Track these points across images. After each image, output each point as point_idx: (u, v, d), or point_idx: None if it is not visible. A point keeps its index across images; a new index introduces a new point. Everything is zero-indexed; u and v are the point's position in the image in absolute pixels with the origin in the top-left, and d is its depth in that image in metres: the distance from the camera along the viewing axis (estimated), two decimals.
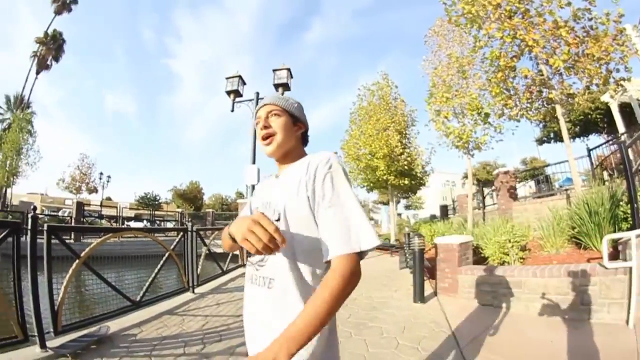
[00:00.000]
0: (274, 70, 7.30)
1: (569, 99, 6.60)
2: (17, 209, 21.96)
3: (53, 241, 2.68)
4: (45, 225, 2.69)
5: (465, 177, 37.76)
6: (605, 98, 12.30)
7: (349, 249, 0.75)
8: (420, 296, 4.54)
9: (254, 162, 6.95)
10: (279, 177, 0.99)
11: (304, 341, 0.67)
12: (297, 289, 0.81)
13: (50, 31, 28.72)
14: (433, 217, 25.01)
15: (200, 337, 3.06)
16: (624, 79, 5.90)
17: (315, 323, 0.68)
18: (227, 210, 35.67)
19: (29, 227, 2.55)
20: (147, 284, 3.50)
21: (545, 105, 6.87)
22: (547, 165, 11.81)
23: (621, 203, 4.44)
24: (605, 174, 9.41)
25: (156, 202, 36.88)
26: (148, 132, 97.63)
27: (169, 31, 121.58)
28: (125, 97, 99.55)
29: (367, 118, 14.20)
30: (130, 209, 27.03)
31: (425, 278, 5.56)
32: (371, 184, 15.73)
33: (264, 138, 0.98)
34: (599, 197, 4.71)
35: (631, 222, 3.75)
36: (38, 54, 28.06)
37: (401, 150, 13.78)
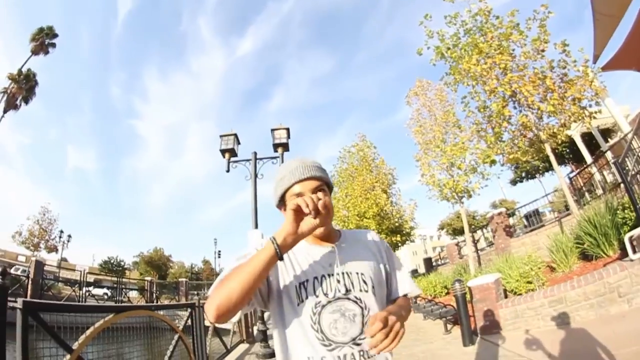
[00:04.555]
0: (273, 130, 6.99)
1: (553, 137, 7.30)
2: None
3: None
4: (20, 302, 1.86)
5: (442, 228, 38.91)
6: (570, 132, 13.75)
7: (418, 292, 1.08)
8: (470, 338, 4.62)
9: (256, 226, 6.35)
10: (338, 247, 0.97)
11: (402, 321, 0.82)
12: None
13: (24, 69, 27.34)
14: (414, 272, 24.58)
15: None
16: (596, 112, 6.87)
17: (406, 315, 0.95)
18: (197, 279, 32.58)
19: None
20: None
21: (532, 147, 7.52)
22: (526, 204, 12.62)
23: (617, 212, 5.03)
24: (587, 195, 10.58)
25: (120, 268, 34.23)
26: (109, 192, 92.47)
27: (137, 90, 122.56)
28: (88, 153, 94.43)
29: (351, 179, 14.39)
30: (90, 273, 24.23)
31: (449, 324, 5.97)
32: None
33: (315, 216, 0.85)
34: (599, 211, 5.32)
35: (631, 225, 4.49)
36: (8, 91, 26.36)
37: (390, 208, 14.04)
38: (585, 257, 5.48)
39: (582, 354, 3.07)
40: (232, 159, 6.97)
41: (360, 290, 0.89)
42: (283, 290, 0.91)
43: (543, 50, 6.79)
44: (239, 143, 7.17)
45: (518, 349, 3.83)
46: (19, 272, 17.88)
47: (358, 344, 0.85)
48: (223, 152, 6.89)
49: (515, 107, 7.30)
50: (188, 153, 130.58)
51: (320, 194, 0.91)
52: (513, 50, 7.09)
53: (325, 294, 0.88)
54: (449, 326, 5.94)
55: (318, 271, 0.91)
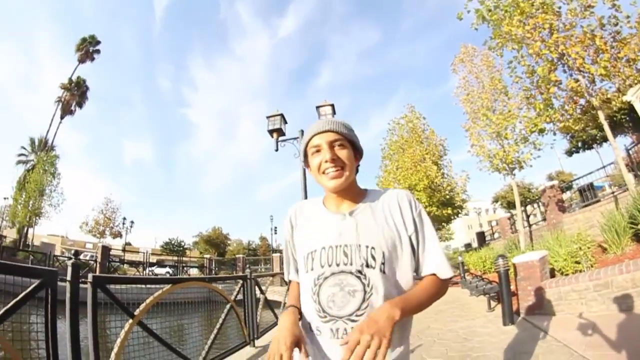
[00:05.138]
0: (318, 107, 7.08)
1: (607, 103, 6.62)
2: (38, 250, 22.17)
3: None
4: (90, 276, 2.23)
5: (496, 201, 36.89)
6: (627, 97, 12.27)
7: (448, 275, 0.91)
8: (510, 318, 4.47)
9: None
10: (353, 214, 0.92)
11: (410, 312, 0.81)
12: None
13: (74, 78, 30.01)
14: (468, 246, 23.93)
15: None
16: None
17: (419, 304, 0.84)
18: (253, 255, 35.09)
19: (69, 277, 2.03)
20: (210, 342, 3.13)
21: (584, 114, 6.99)
22: (581, 177, 11.59)
23: None
24: None
25: (181, 248, 36.32)
26: (167, 179, 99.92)
27: (185, 80, 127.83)
28: (144, 144, 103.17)
29: (401, 152, 14.22)
30: (153, 254, 26.65)
31: (493, 301, 5.82)
32: None
33: (330, 171, 0.90)
34: None
35: None
36: (62, 99, 29.14)
37: (441, 180, 13.73)
38: (639, 238, 5.07)
39: (624, 346, 2.80)
40: (280, 138, 7.19)
41: (367, 266, 0.84)
42: (298, 256, 0.98)
43: (591, 6, 6.12)
44: (285, 122, 7.33)
45: (557, 333, 3.62)
46: (87, 258, 20.23)
47: (353, 320, 0.81)
48: (271, 132, 7.12)
49: (565, 71, 6.72)
50: (241, 134, 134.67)
51: (337, 148, 0.91)
52: (559, 8, 6.45)
53: (329, 265, 0.86)
54: (492, 303, 5.80)
55: (327, 241, 0.89)
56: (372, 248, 0.86)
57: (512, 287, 5.05)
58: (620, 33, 6.17)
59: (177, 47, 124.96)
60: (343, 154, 0.91)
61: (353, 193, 0.96)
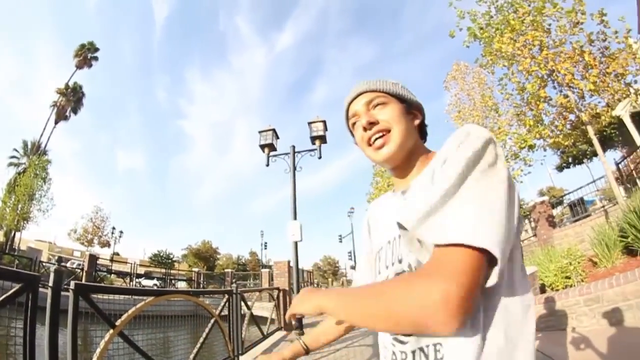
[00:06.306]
0: (310, 123, 7.09)
1: (596, 118, 6.78)
2: (25, 255, 21.54)
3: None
4: (73, 284, 2.17)
5: None
6: (616, 112, 12.60)
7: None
8: None
9: (295, 218, 6.41)
10: (406, 193, 0.69)
11: (338, 310, 0.53)
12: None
13: (70, 83, 29.96)
14: None
15: None
16: None
17: (358, 304, 0.50)
18: (243, 270, 34.96)
19: (51, 283, 1.98)
20: (192, 356, 2.99)
21: (574, 130, 7.12)
22: (571, 192, 11.78)
23: None
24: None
25: (169, 261, 36.06)
26: (158, 190, 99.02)
27: (182, 91, 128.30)
28: (138, 154, 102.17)
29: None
30: (141, 265, 26.18)
31: None
32: None
33: (373, 140, 0.69)
34: None
35: None
36: (58, 104, 28.97)
37: None
38: (630, 252, 5.09)
39: None
40: (272, 153, 7.18)
41: (409, 266, 0.61)
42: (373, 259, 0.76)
43: (580, 23, 6.27)
44: (277, 137, 7.35)
45: (547, 349, 3.59)
46: (74, 266, 19.80)
47: (402, 342, 0.58)
48: (262, 147, 7.13)
49: (554, 88, 6.84)
50: (234, 148, 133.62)
51: (378, 108, 0.70)
52: (549, 25, 6.62)
53: (392, 264, 0.65)
54: None
55: (389, 233, 0.68)
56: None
57: None
58: (609, 48, 6.29)
59: (176, 57, 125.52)
60: (386, 113, 0.69)
61: (418, 162, 0.70)
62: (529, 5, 6.61)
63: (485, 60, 7.44)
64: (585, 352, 3.26)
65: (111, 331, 2.37)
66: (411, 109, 0.72)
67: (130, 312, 2.47)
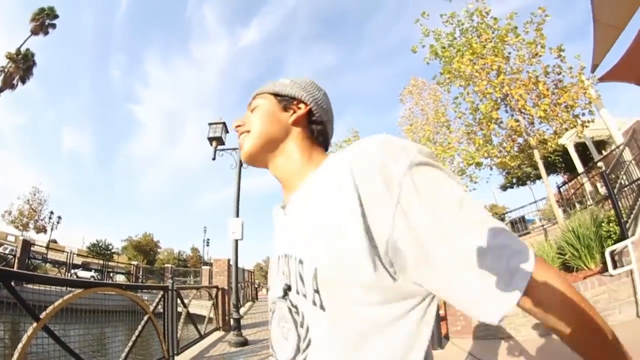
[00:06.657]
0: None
1: (543, 144, 7.29)
2: None
3: None
4: None
5: None
6: (562, 141, 13.84)
7: (489, 317, 0.44)
8: (439, 342, 4.58)
9: (237, 215, 6.20)
10: (285, 208, 0.59)
11: None
12: None
13: (23, 49, 26.95)
14: None
15: None
16: (588, 121, 6.91)
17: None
18: (183, 266, 33.34)
19: None
20: (124, 355, 2.76)
21: (521, 152, 7.57)
22: (514, 210, 12.68)
23: (602, 224, 5.00)
24: (578, 206, 10.47)
25: (108, 252, 33.65)
26: (102, 176, 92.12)
27: (137, 74, 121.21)
28: (84, 136, 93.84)
29: None
30: (79, 255, 24.09)
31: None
32: None
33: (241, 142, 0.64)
34: (584, 222, 5.27)
35: (615, 239, 4.43)
36: (5, 70, 26.07)
37: None
38: (566, 268, 5.48)
39: None
40: (220, 147, 6.91)
41: (297, 293, 0.50)
42: None
43: (538, 55, 6.76)
44: (227, 132, 7.08)
45: (485, 357, 3.80)
46: (7, 252, 17.77)
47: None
48: (211, 140, 6.83)
49: (507, 111, 7.29)
50: (184, 140, 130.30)
51: (254, 111, 0.64)
52: (509, 53, 7.09)
53: (274, 287, 0.58)
54: None
55: (279, 247, 0.60)
56: (301, 261, 0.49)
57: (442, 312, 5.20)
58: (562, 82, 6.78)
59: (137, 36, 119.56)
60: (255, 111, 0.64)
61: (302, 168, 0.59)
62: (493, 33, 7.04)
63: (443, 78, 7.80)
64: (518, 358, 3.50)
65: (34, 325, 2.13)
66: (290, 103, 0.63)
67: (56, 304, 2.24)
